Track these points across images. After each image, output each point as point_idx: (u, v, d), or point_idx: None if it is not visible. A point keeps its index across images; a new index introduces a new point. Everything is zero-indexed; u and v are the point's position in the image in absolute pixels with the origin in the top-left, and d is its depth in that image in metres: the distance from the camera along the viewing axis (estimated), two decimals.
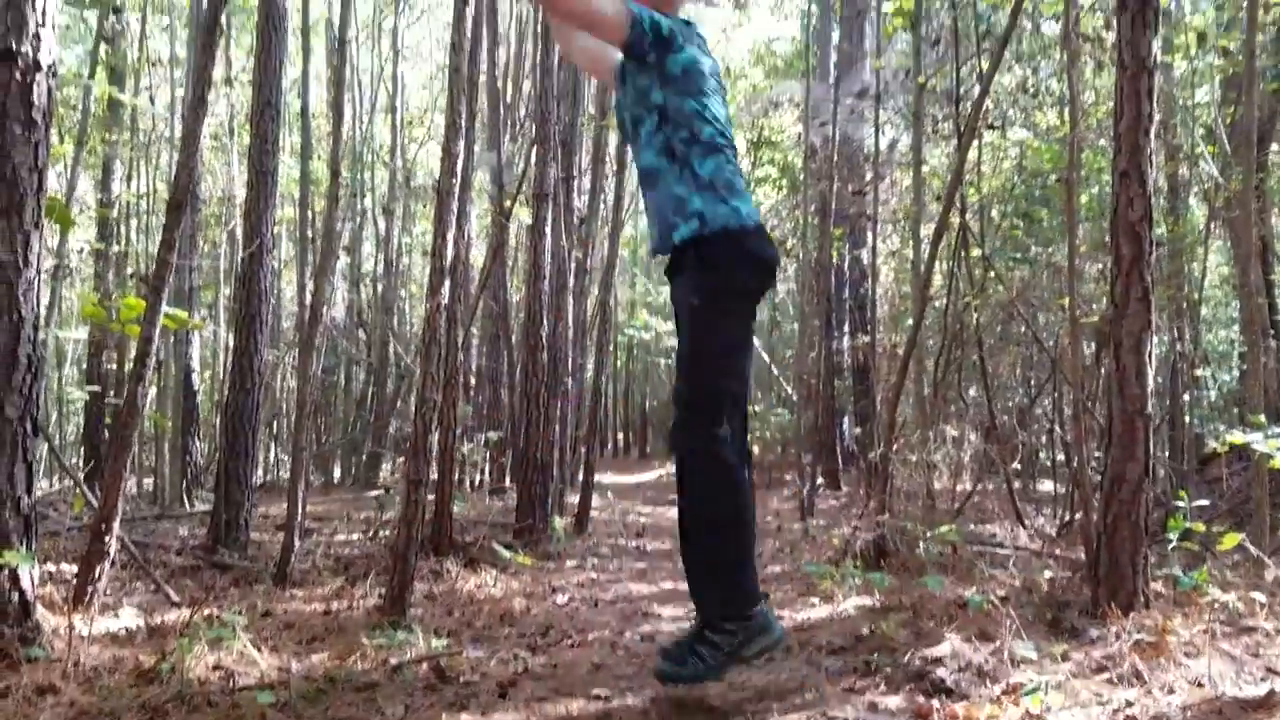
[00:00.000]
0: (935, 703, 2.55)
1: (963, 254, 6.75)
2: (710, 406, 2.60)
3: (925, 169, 8.61)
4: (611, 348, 13.47)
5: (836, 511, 8.74)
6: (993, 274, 6.80)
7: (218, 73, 9.25)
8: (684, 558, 2.72)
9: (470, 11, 4.36)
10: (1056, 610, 3.43)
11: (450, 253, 4.24)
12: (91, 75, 8.68)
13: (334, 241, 7.15)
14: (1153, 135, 3.38)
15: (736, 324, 2.68)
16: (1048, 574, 4.20)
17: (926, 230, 7.18)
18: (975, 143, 6.65)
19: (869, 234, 11.45)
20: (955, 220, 6.35)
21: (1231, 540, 3.13)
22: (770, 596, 2.77)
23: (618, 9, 2.59)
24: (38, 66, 3.20)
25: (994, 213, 8.60)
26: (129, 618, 3.81)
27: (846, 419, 12.81)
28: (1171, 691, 2.48)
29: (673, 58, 2.65)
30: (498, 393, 12.37)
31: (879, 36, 9.68)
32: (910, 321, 6.72)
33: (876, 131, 9.15)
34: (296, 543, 5.29)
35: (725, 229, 2.63)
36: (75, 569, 3.97)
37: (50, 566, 4.52)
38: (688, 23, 2.80)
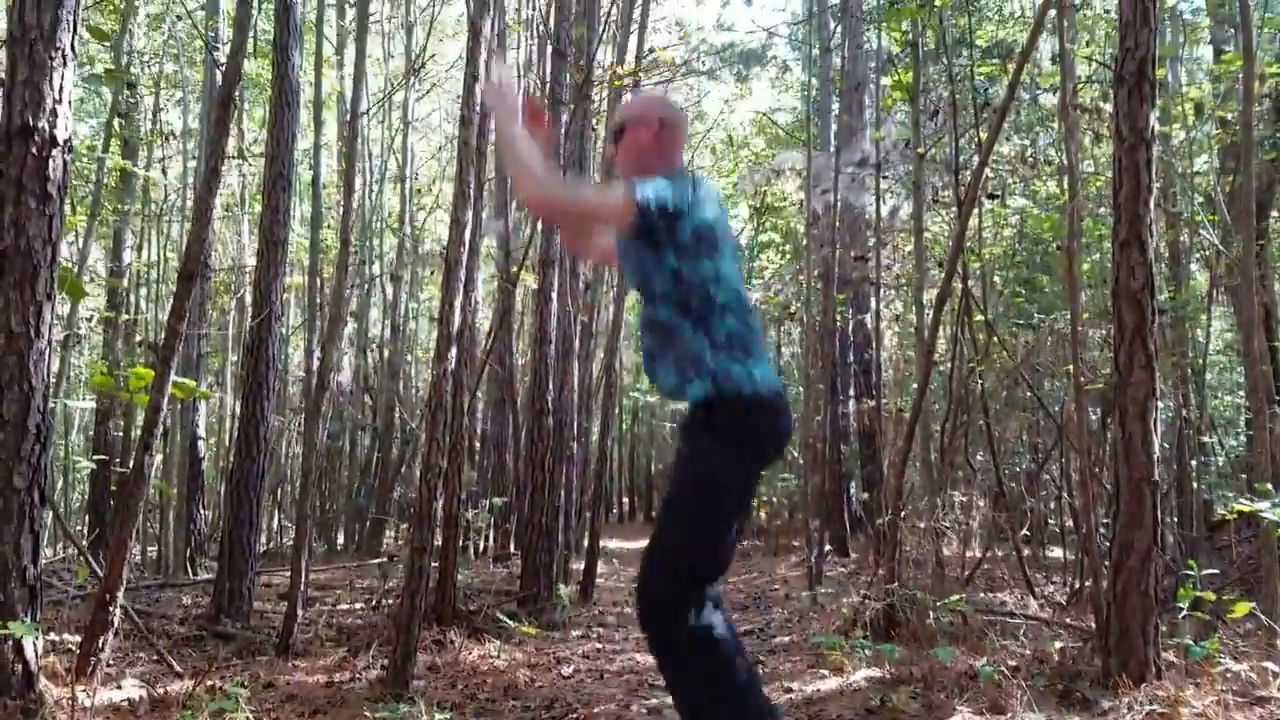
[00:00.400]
0: None
1: (966, 319, 6.78)
2: (677, 589, 2.46)
3: (926, 236, 8.70)
4: (617, 411, 13.52)
5: (845, 579, 8.66)
6: (996, 339, 6.83)
7: (230, 145, 9.42)
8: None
9: (479, 87, 4.46)
10: (1068, 681, 3.39)
11: (457, 319, 4.28)
12: (105, 148, 8.85)
13: (342, 308, 7.21)
14: (1152, 205, 3.42)
15: (732, 503, 2.53)
16: (1058, 644, 4.16)
17: (929, 296, 7.22)
18: (976, 211, 6.73)
19: (872, 299, 11.52)
20: (958, 286, 6.39)
21: (1242, 609, 3.10)
22: (781, 709, 2.63)
23: (617, 200, 2.54)
24: (54, 142, 3.28)
25: (996, 279, 8.66)
26: (131, 688, 3.77)
27: (853, 484, 12.75)
28: None
29: (683, 225, 2.58)
30: (502, 457, 12.35)
31: (878, 108, 9.85)
32: (915, 386, 6.73)
33: (878, 199, 9.26)
34: (299, 612, 5.26)
35: (739, 394, 2.53)
36: (79, 639, 3.94)
37: (54, 636, 4.48)
38: (695, 176, 2.73)
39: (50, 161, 3.26)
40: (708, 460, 2.51)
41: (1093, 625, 4.19)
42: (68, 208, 3.67)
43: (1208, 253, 7.37)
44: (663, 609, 2.45)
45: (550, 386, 6.96)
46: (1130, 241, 3.38)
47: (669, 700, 4.02)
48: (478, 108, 4.48)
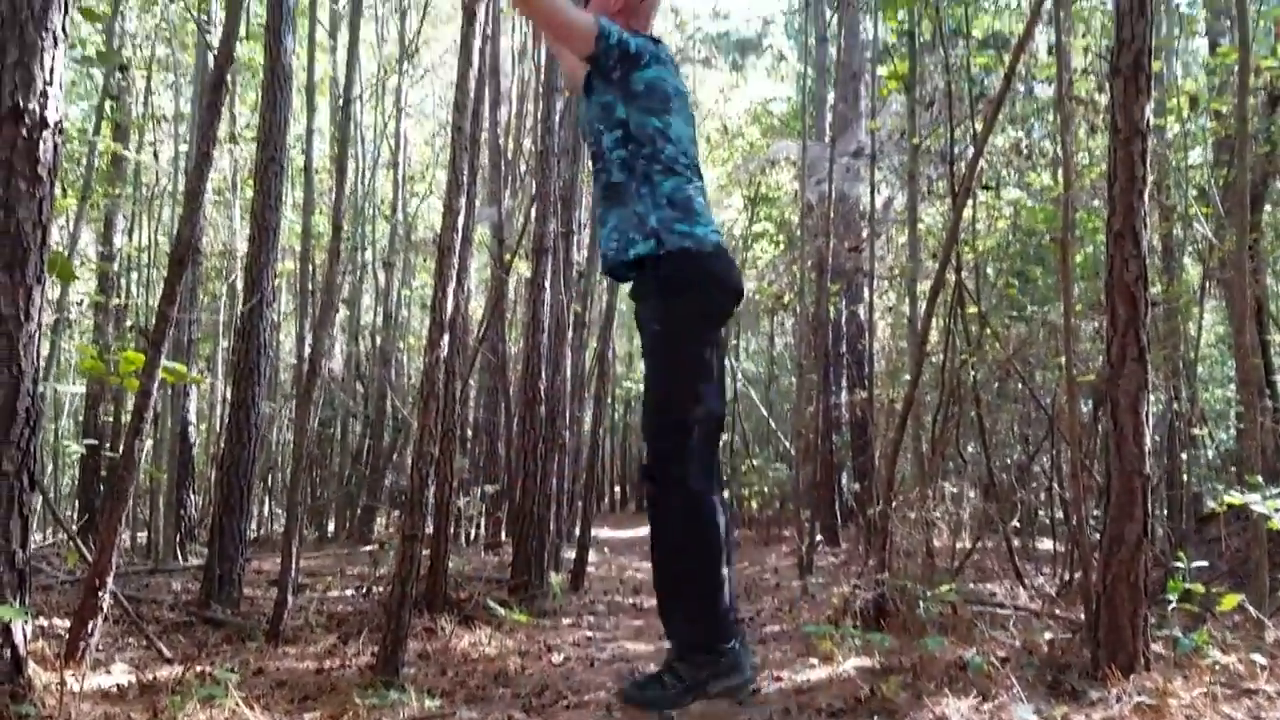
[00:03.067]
0: None
1: (959, 311, 6.78)
2: (675, 437, 2.57)
3: (921, 227, 8.70)
4: (609, 400, 13.52)
5: (835, 569, 8.68)
6: (989, 331, 6.83)
7: (222, 129, 9.36)
8: (656, 591, 2.69)
9: (473, 72, 4.44)
10: (1056, 672, 3.40)
11: (450, 306, 4.26)
12: (96, 131, 8.79)
13: (334, 295, 7.18)
14: (1147, 197, 3.42)
15: (699, 348, 2.63)
16: (1048, 635, 4.17)
17: (923, 287, 7.23)
18: (970, 202, 6.72)
19: (865, 290, 11.52)
20: (951, 278, 6.39)
21: (1231, 601, 3.11)
22: (746, 636, 2.71)
23: (586, 21, 2.60)
24: (44, 124, 3.25)
25: (989, 270, 8.66)
26: (121, 674, 3.76)
27: (845, 474, 12.78)
28: None
29: (637, 74, 2.64)
30: (494, 446, 12.34)
31: (874, 98, 9.83)
32: (907, 377, 6.73)
33: (872, 190, 9.25)
34: (290, 599, 5.24)
35: (683, 250, 2.61)
36: (68, 624, 3.93)
37: (43, 621, 4.47)
38: (656, 41, 2.80)
39: (40, 144, 3.23)
40: (662, 312, 2.61)
41: (1082, 617, 4.20)
42: (58, 191, 3.64)
43: (1201, 246, 7.38)
44: (663, 458, 2.57)
45: (543, 375, 6.96)
46: (1124, 233, 3.38)
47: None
48: (472, 94, 4.45)
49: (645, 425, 2.68)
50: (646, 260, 2.63)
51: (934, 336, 7.90)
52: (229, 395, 6.51)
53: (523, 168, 12.02)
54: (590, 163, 2.82)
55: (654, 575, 2.68)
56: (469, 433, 13.09)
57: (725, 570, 2.59)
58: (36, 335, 3.23)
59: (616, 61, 2.63)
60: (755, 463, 14.17)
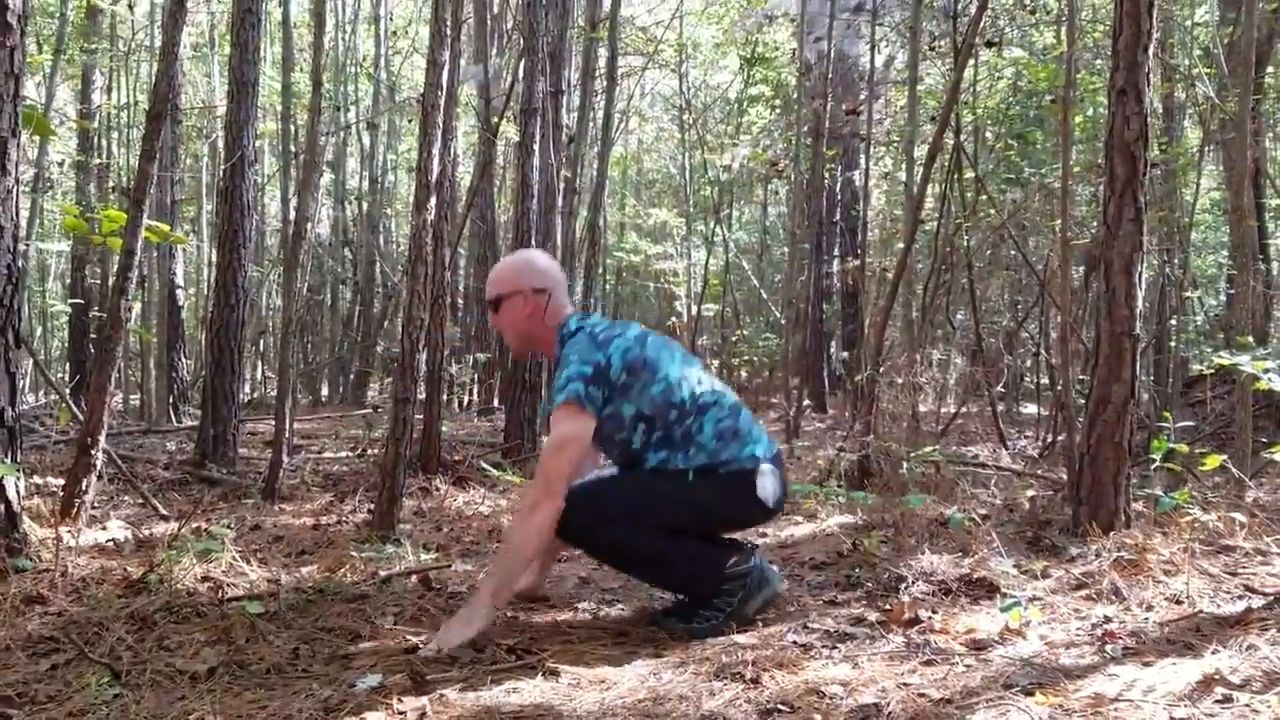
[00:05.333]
0: (915, 613, 2.59)
1: (956, 176, 6.69)
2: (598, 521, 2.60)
3: (920, 88, 8.48)
4: (600, 271, 13.38)
5: (822, 434, 8.81)
6: (985, 197, 6.75)
7: None
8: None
9: None
10: (1037, 529, 3.48)
11: (436, 168, 4.17)
12: None
13: (317, 156, 7.03)
14: (1151, 53, 3.31)
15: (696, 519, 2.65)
16: (1029, 493, 4.26)
17: (920, 151, 7.10)
18: (971, 61, 6.54)
19: (861, 156, 11.35)
20: (949, 141, 6.27)
21: (1213, 461, 3.15)
22: (757, 550, 2.74)
23: (570, 427, 2.52)
24: None
25: (988, 134, 8.50)
26: (116, 530, 3.82)
27: (834, 343, 12.86)
28: (1150, 608, 2.52)
29: (613, 377, 2.57)
30: (485, 314, 12.34)
31: None
32: (900, 244, 6.68)
33: (873, 49, 9.00)
34: (285, 459, 5.31)
35: (740, 470, 2.61)
36: (62, 482, 3.97)
37: (37, 480, 4.52)
38: (581, 329, 2.68)
39: None
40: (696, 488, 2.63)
41: (1064, 477, 4.28)
42: (32, 45, 3.50)
43: (1202, 108, 7.24)
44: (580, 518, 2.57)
45: (533, 242, 6.88)
46: (1127, 90, 3.29)
47: None
48: None
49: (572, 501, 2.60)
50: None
51: (929, 203, 7.83)
52: (215, 258, 6.43)
53: (509, 23, 11.63)
54: (625, 468, 2.73)
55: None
56: (460, 301, 13.07)
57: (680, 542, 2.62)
58: (15, 191, 3.15)
59: (604, 401, 2.57)
60: (745, 332, 14.22)
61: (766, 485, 2.64)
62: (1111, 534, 3.11)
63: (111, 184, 11.30)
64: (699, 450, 2.60)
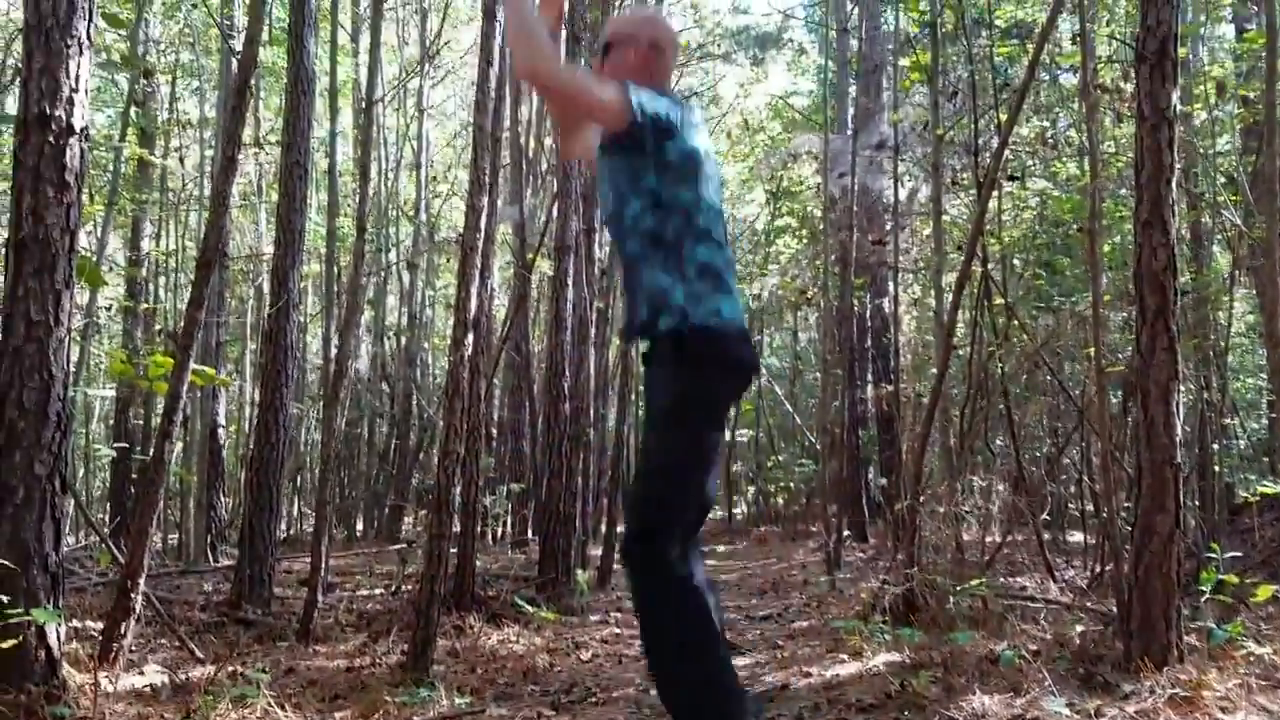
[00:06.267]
0: None
1: (986, 303, 6.73)
2: (664, 513, 2.44)
3: (945, 219, 8.63)
4: (633, 397, 13.44)
5: (863, 564, 8.64)
6: (1016, 323, 6.77)
7: (246, 134, 9.43)
8: (658, 687, 2.50)
9: (494, 72, 4.45)
10: (1089, 664, 3.37)
11: (474, 305, 4.28)
12: (122, 137, 8.90)
13: (359, 296, 7.22)
14: (1174, 185, 3.37)
15: (706, 429, 2.51)
16: (1079, 628, 4.14)
17: (948, 279, 7.17)
18: (995, 193, 6.66)
19: (890, 283, 11.46)
20: (977, 270, 6.34)
21: (1265, 592, 3.07)
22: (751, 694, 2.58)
23: (616, 97, 2.43)
24: (71, 131, 3.28)
25: (1016, 262, 8.59)
26: (153, 674, 3.80)
27: (872, 469, 12.72)
28: None
29: (670, 145, 2.50)
30: (520, 444, 12.37)
31: (896, 90, 9.77)
32: (934, 370, 6.69)
33: (896, 182, 9.19)
34: (320, 598, 5.29)
35: (707, 328, 2.47)
36: (101, 625, 3.97)
37: (76, 623, 4.52)
38: (684, 100, 2.65)
39: (67, 150, 3.27)
40: (676, 388, 2.50)
41: (1113, 609, 4.16)
42: (85, 197, 3.67)
43: (1230, 233, 7.28)
44: (646, 533, 2.42)
45: (567, 373, 6.96)
46: (1152, 222, 3.34)
47: None
48: (492, 93, 4.46)
49: (635, 494, 2.55)
50: (668, 335, 2.50)
51: (960, 329, 7.86)
52: (257, 397, 6.56)
53: (544, 166, 12.04)
54: (607, 226, 2.64)
55: (654, 675, 2.51)
56: (494, 431, 13.14)
57: (722, 650, 2.44)
58: (66, 340, 3.27)
59: (650, 135, 2.48)
60: (780, 459, 14.13)
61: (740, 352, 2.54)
62: (1165, 669, 3.01)
63: (158, 327, 11.63)
64: (679, 274, 2.49)
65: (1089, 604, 5.01)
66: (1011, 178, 8.18)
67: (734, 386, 2.62)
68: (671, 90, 2.74)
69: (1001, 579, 6.29)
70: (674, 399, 2.50)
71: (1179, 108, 3.38)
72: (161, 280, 12.77)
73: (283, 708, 3.17)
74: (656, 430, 2.57)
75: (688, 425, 2.48)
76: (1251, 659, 2.96)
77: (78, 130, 3.30)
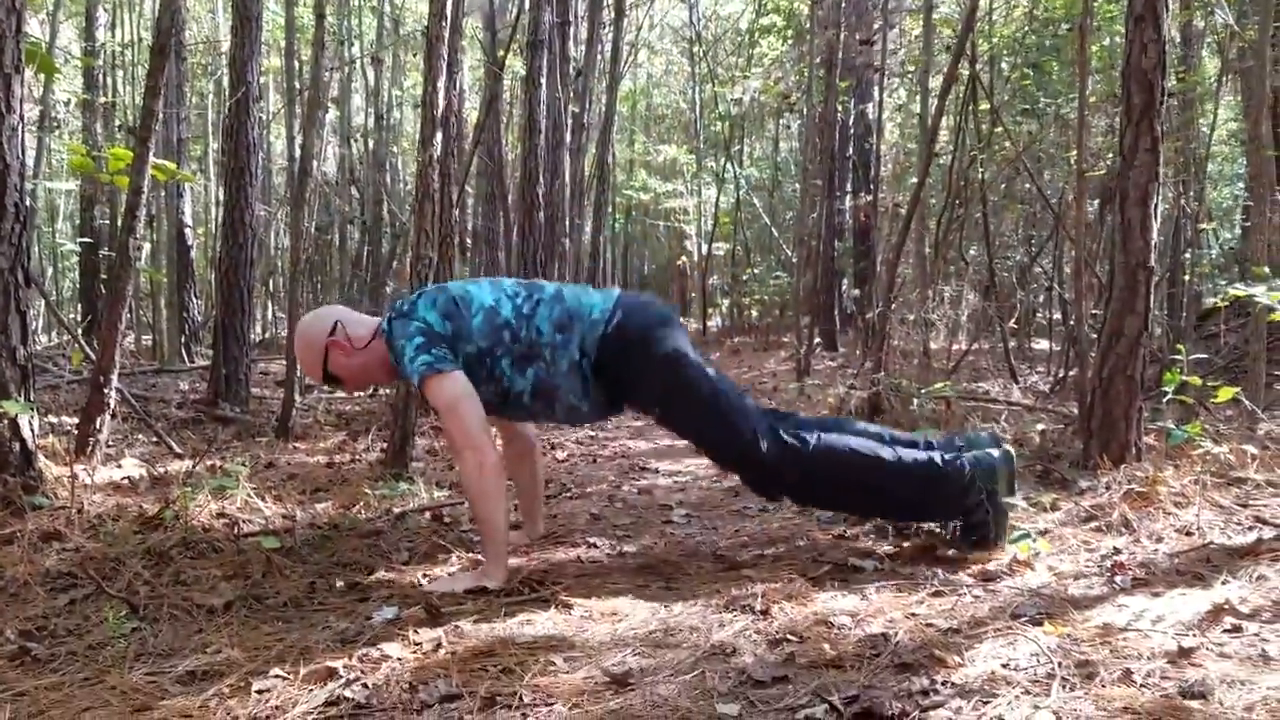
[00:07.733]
0: (921, 541, 2.61)
1: (971, 107, 6.58)
2: (737, 434, 2.56)
3: (936, 16, 8.31)
4: (609, 209, 13.26)
5: (832, 372, 8.80)
6: (1000, 128, 6.64)
7: None
8: (898, 520, 2.81)
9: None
10: (1047, 462, 3.48)
11: (442, 102, 4.11)
12: None
13: (322, 90, 6.95)
14: None
15: (685, 368, 2.62)
16: (1040, 428, 4.25)
17: (935, 82, 6.98)
18: None
19: (875, 88, 11.15)
20: (964, 71, 6.16)
21: (1226, 394, 3.13)
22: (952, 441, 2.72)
23: (447, 385, 2.47)
24: None
25: (1004, 64, 8.34)
26: (131, 468, 3.85)
27: (845, 280, 12.77)
28: (1160, 540, 2.52)
29: (440, 331, 2.54)
30: (494, 255, 12.28)
31: None
32: (914, 179, 6.60)
33: None
34: (297, 398, 5.33)
35: (603, 335, 2.59)
36: (76, 421, 3.99)
37: (52, 419, 4.55)
38: (399, 320, 2.60)
39: None
40: (639, 372, 2.63)
41: (1074, 412, 4.27)
42: None
43: (1221, 36, 7.08)
44: (747, 457, 2.57)
45: (541, 180, 6.83)
46: (1145, 16, 3.22)
47: (659, 481, 4.14)
48: None
49: (710, 444, 2.66)
50: (602, 367, 2.61)
51: (944, 135, 7.72)
52: (222, 196, 6.40)
53: None
54: (509, 409, 2.71)
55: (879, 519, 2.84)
56: (468, 240, 13.01)
57: (887, 450, 2.58)
58: (20, 128, 3.12)
59: (451, 351, 2.54)
60: (756, 271, 14.12)
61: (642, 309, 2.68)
62: (1122, 467, 3.11)
63: (118, 122, 11.21)
64: (558, 349, 2.60)
65: (1050, 407, 5.15)
66: None
67: (659, 329, 2.68)
68: (376, 333, 2.70)
69: (966, 384, 6.43)
70: (651, 381, 2.64)
71: None
72: (120, 74, 12.21)
73: (263, 499, 3.23)
74: (670, 407, 2.68)
75: (678, 380, 2.62)
76: (1208, 458, 3.05)
77: None
